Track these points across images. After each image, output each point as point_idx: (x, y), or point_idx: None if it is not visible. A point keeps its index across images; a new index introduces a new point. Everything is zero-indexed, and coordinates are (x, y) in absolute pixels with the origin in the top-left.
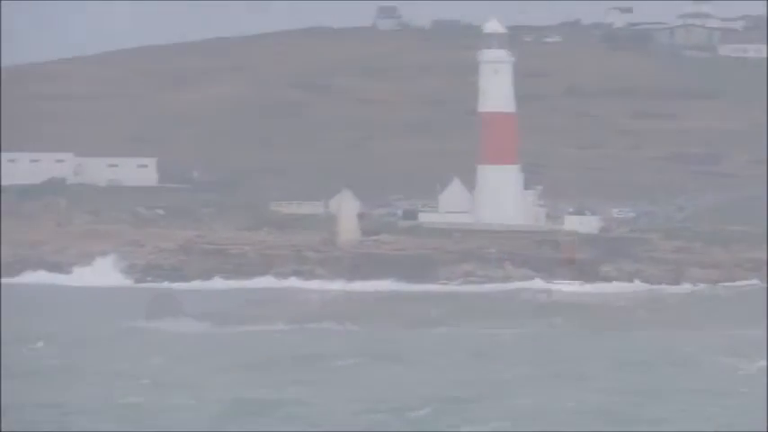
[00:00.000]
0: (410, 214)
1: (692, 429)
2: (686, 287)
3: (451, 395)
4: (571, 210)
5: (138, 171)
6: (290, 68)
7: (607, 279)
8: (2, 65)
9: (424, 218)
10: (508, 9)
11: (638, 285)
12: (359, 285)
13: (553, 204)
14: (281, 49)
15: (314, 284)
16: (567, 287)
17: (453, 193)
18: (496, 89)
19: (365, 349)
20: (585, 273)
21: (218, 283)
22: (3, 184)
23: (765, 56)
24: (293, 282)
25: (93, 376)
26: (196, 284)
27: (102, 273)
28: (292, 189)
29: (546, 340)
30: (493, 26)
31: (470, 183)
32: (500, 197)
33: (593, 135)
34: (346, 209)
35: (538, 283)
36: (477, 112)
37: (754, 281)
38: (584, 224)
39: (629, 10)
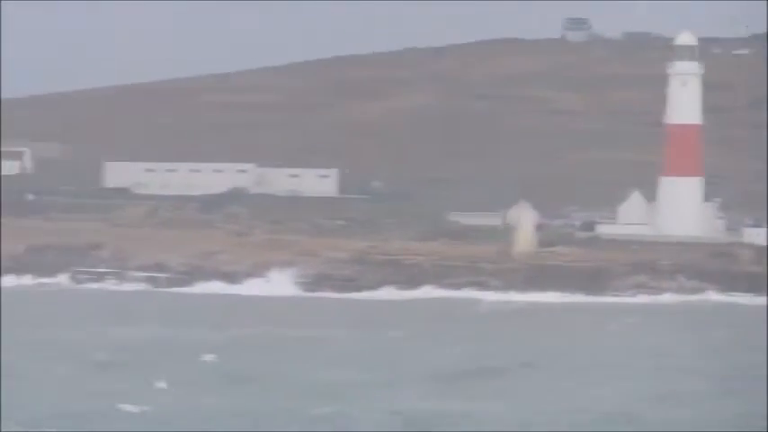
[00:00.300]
0: (587, 226)
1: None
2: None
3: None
4: (750, 222)
5: (319, 181)
6: (480, 79)
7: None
8: (190, 74)
9: (602, 229)
10: (699, 21)
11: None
12: (531, 296)
13: (733, 216)
14: (471, 60)
15: (486, 295)
16: (741, 299)
17: (633, 205)
18: (684, 101)
19: (541, 361)
20: (760, 285)
21: (386, 293)
22: (187, 194)
23: None
24: (467, 292)
25: (276, 387)
26: (366, 294)
27: (275, 283)
28: (474, 199)
29: (720, 351)
30: (684, 38)
31: (649, 194)
32: (682, 209)
33: None
34: (524, 220)
35: (710, 296)
36: (665, 123)
37: None
38: (762, 237)
39: None
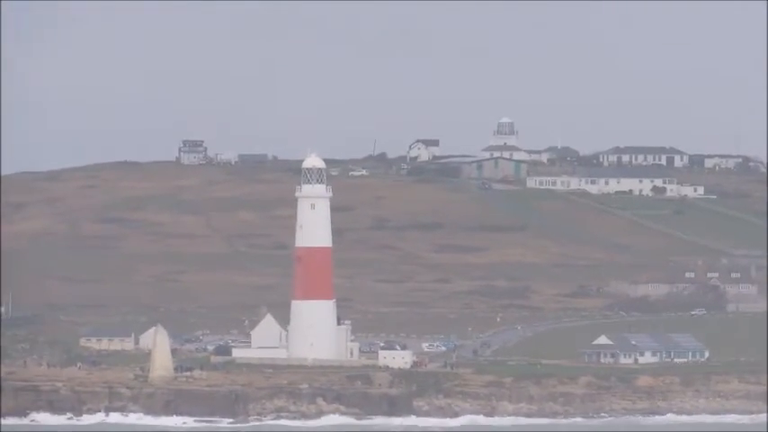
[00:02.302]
0: (223, 349)
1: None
2: (499, 420)
3: None
4: (382, 344)
5: None
6: (98, 202)
7: (419, 414)
8: None
9: (237, 353)
10: (315, 144)
11: (451, 421)
12: (170, 421)
13: (363, 339)
14: (87, 183)
15: (129, 420)
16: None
17: (266, 329)
18: (314, 224)
19: None
20: (399, 408)
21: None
22: None
23: (571, 188)
24: (109, 418)
25: None
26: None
27: None
28: (103, 324)
29: None
30: (312, 161)
31: (279, 317)
32: (315, 332)
33: (401, 269)
34: (160, 345)
35: (346, 420)
36: (294, 246)
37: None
38: (397, 359)
39: (434, 143)
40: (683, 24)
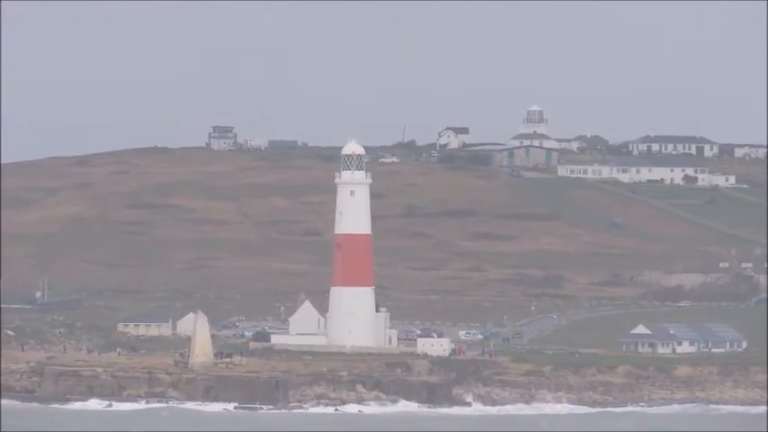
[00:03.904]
0: (261, 336)
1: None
2: (537, 408)
3: None
4: (419, 332)
5: None
6: (129, 188)
7: (459, 402)
8: None
9: (275, 339)
10: (344, 131)
11: (490, 409)
12: (212, 407)
13: (400, 326)
14: (117, 169)
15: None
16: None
17: (304, 315)
18: (353, 211)
19: None
20: (438, 396)
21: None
22: None
23: (602, 177)
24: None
25: None
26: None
27: None
28: (138, 310)
29: None
30: (352, 147)
31: (316, 304)
32: (354, 319)
33: (434, 256)
34: (200, 330)
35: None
36: (334, 233)
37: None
38: (436, 347)
39: (464, 131)
40: (713, 13)
